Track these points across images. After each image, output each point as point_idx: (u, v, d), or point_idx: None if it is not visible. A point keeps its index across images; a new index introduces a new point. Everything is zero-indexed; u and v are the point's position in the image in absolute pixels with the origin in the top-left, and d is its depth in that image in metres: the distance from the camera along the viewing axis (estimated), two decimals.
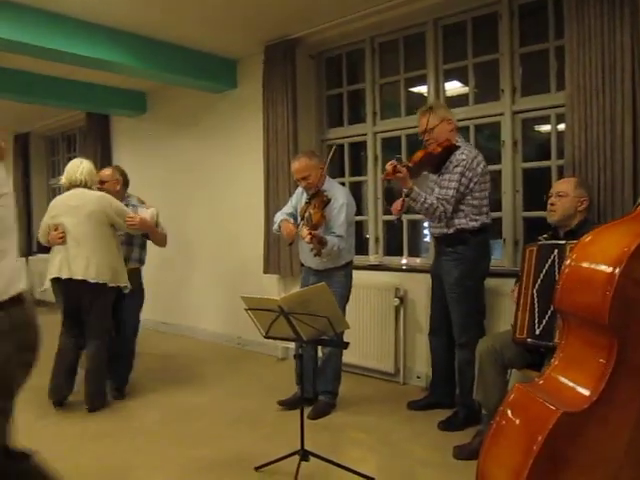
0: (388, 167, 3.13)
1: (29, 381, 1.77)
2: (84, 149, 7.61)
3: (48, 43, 4.21)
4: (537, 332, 2.62)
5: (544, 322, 2.60)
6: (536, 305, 2.66)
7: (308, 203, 3.38)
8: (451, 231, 3.28)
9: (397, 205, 3.30)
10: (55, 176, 8.80)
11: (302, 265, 3.90)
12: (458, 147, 3.26)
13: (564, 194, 2.87)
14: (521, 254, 2.88)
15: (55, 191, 8.78)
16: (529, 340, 2.66)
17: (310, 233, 3.17)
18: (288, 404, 3.64)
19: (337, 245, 3.37)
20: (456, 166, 3.20)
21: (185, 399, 4.01)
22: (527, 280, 2.74)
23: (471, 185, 3.20)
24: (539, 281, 2.67)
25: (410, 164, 3.20)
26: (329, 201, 3.33)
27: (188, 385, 4.37)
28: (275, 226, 3.74)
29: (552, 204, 2.90)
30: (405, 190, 3.16)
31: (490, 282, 3.57)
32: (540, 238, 2.92)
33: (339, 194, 3.50)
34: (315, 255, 3.28)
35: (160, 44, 4.83)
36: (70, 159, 8.58)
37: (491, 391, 2.79)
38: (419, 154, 3.25)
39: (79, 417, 3.64)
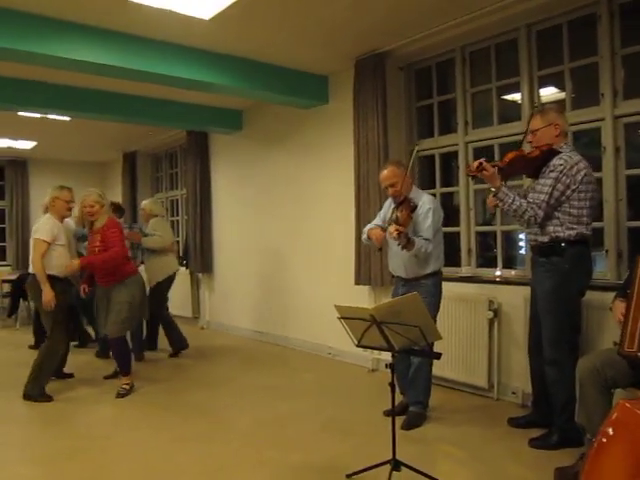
0: (473, 163, 3.16)
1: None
2: (185, 165, 8.09)
3: (152, 68, 4.55)
4: None
5: None
6: None
7: (396, 208, 3.43)
8: (546, 239, 3.16)
9: (490, 201, 3.31)
10: (159, 191, 9.40)
11: (393, 277, 3.93)
12: (559, 152, 3.14)
13: None
14: (635, 262, 2.68)
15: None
16: None
17: (397, 229, 3.20)
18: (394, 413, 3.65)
19: (424, 247, 3.40)
20: (552, 171, 3.09)
21: (276, 405, 4.13)
22: None
23: (567, 192, 3.06)
24: None
25: (500, 164, 3.17)
26: (416, 206, 3.39)
27: (279, 391, 4.50)
28: (364, 236, 3.81)
29: None
30: (493, 189, 3.16)
31: (591, 295, 3.39)
32: None
33: (425, 200, 3.57)
34: (402, 249, 3.31)
35: (255, 64, 5.05)
36: (172, 175, 9.20)
37: (594, 413, 2.60)
38: (510, 155, 3.19)
39: (177, 420, 3.87)
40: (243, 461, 3.14)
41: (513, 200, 3.13)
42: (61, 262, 4.34)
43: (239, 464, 3.10)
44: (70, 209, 4.58)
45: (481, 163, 3.11)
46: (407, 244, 3.25)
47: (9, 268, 9.37)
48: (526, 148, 3.34)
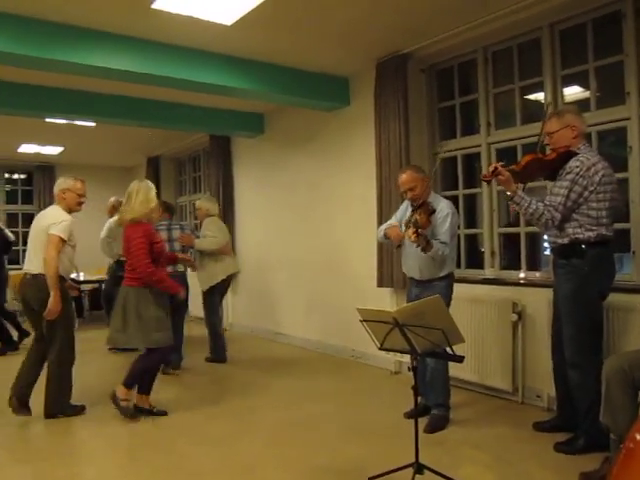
0: (489, 168, 3.16)
1: None
2: (208, 169, 8.17)
3: (175, 74, 4.61)
4: None
5: None
6: None
7: (414, 211, 3.44)
8: (566, 241, 3.12)
9: (510, 205, 3.30)
10: (183, 194, 9.50)
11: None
12: (576, 154, 3.10)
13: None
14: None
15: (182, 208, 9.48)
16: None
17: (416, 231, 3.22)
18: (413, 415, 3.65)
19: (442, 250, 3.44)
20: (568, 173, 3.06)
21: (299, 407, 4.15)
22: None
23: (585, 194, 3.02)
24: None
25: (515, 168, 3.16)
26: (434, 211, 3.40)
27: (301, 393, 4.51)
28: (380, 234, 3.84)
29: None
30: (509, 194, 3.15)
31: (617, 297, 3.35)
32: None
33: (444, 205, 3.60)
34: (422, 250, 3.32)
35: (276, 68, 5.09)
36: (195, 179, 9.26)
37: (620, 414, 2.58)
38: (526, 158, 3.18)
39: (200, 421, 3.90)
40: (266, 462, 3.16)
41: (529, 204, 3.11)
42: (67, 263, 3.94)
43: (262, 465, 3.12)
44: (81, 204, 4.11)
45: (496, 168, 3.10)
46: (426, 245, 3.28)
47: None
48: (543, 151, 3.31)
